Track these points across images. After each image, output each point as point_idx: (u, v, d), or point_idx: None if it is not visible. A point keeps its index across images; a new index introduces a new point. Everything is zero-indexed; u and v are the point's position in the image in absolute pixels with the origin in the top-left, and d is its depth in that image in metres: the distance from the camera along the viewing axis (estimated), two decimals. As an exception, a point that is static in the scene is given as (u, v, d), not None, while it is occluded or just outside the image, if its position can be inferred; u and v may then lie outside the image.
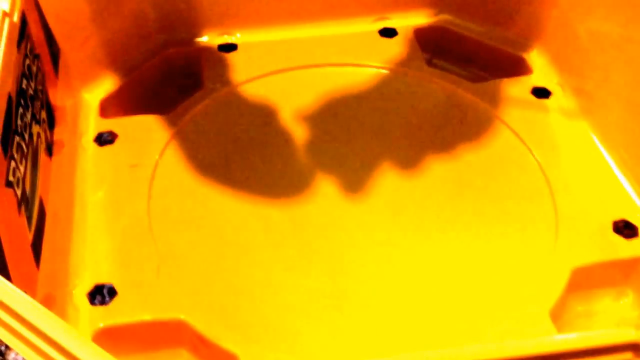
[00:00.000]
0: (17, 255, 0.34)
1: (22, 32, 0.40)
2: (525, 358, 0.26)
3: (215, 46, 0.56)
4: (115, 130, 0.50)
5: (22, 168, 0.36)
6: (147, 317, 0.40)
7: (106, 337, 0.39)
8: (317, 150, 0.49)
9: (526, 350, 0.26)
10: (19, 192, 0.35)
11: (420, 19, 0.58)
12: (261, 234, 0.44)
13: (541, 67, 0.54)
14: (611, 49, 0.48)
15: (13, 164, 0.35)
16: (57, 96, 0.46)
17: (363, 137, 0.50)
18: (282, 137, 0.50)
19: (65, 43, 0.49)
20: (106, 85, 0.53)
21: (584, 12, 0.51)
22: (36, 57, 0.42)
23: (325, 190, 0.46)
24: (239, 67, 0.55)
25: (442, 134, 0.50)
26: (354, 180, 0.47)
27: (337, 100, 0.53)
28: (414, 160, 0.48)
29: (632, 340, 0.27)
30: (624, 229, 0.43)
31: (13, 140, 0.35)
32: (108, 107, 0.52)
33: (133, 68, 0.55)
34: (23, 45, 0.39)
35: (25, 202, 0.36)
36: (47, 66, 0.45)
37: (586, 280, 0.42)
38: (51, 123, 0.44)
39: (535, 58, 0.55)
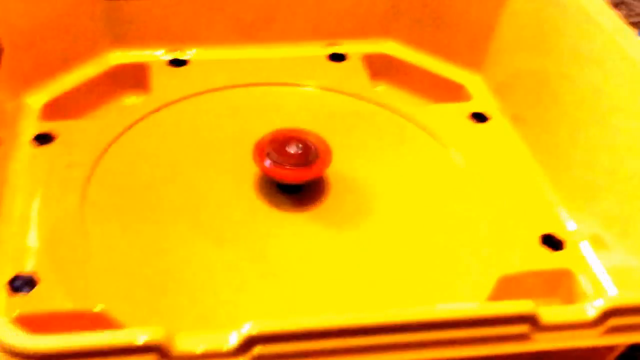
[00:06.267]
0: None
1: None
2: (421, 324, 0.26)
3: (166, 61, 0.57)
4: (55, 132, 0.50)
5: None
6: (67, 306, 0.39)
7: (24, 326, 0.38)
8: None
9: (420, 316, 0.26)
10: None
11: (370, 46, 0.60)
12: (188, 233, 0.44)
13: (480, 94, 0.56)
14: (542, 80, 0.51)
15: None
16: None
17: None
18: (221, 148, 0.50)
19: (9, 43, 0.50)
20: (50, 90, 0.53)
21: (518, 47, 0.53)
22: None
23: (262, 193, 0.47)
24: (187, 81, 0.55)
25: (382, 152, 0.51)
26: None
27: (278, 117, 0.53)
28: (353, 176, 0.49)
29: (529, 311, 0.27)
30: (550, 242, 0.44)
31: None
32: (50, 112, 0.52)
33: (80, 76, 0.55)
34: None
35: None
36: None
37: (513, 290, 0.42)
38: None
39: (475, 86, 0.56)
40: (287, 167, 0.45)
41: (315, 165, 0.45)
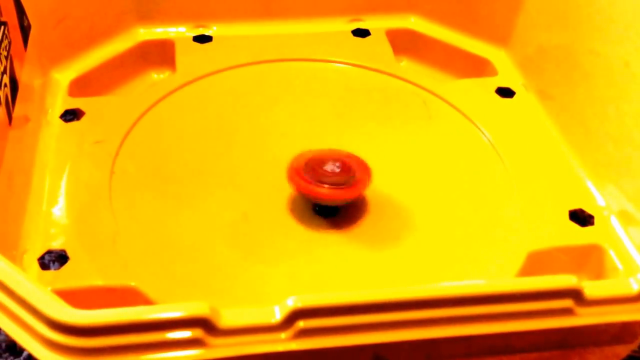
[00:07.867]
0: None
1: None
2: (464, 298, 0.26)
3: (191, 37, 0.57)
4: (83, 108, 0.50)
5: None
6: (98, 282, 0.39)
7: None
8: (280, 136, 0.49)
9: (466, 290, 0.26)
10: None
11: (393, 21, 0.59)
12: (218, 211, 0.44)
13: (506, 70, 0.55)
14: (570, 55, 0.50)
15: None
16: (24, 71, 0.46)
17: (328, 127, 0.50)
18: (247, 124, 0.50)
19: (37, 21, 0.50)
20: (78, 67, 0.53)
21: (545, 22, 0.53)
22: (2, 24, 0.43)
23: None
24: (212, 57, 0.55)
25: (409, 127, 0.51)
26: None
27: (303, 93, 0.53)
28: (379, 151, 0.49)
29: (572, 286, 0.27)
30: (579, 217, 0.44)
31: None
32: (78, 88, 0.52)
33: (108, 52, 0.55)
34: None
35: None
36: (15, 37, 0.45)
37: (542, 265, 0.42)
38: (14, 90, 0.44)
39: (500, 61, 0.56)
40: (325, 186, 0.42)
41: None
